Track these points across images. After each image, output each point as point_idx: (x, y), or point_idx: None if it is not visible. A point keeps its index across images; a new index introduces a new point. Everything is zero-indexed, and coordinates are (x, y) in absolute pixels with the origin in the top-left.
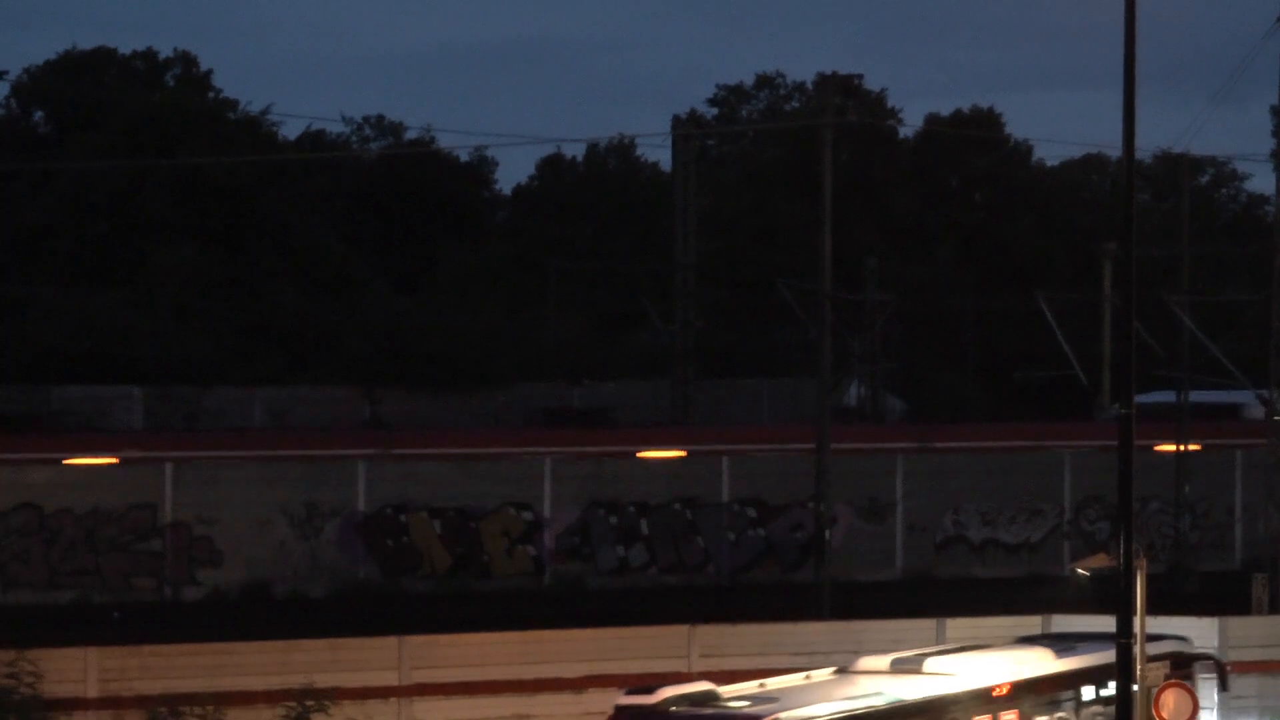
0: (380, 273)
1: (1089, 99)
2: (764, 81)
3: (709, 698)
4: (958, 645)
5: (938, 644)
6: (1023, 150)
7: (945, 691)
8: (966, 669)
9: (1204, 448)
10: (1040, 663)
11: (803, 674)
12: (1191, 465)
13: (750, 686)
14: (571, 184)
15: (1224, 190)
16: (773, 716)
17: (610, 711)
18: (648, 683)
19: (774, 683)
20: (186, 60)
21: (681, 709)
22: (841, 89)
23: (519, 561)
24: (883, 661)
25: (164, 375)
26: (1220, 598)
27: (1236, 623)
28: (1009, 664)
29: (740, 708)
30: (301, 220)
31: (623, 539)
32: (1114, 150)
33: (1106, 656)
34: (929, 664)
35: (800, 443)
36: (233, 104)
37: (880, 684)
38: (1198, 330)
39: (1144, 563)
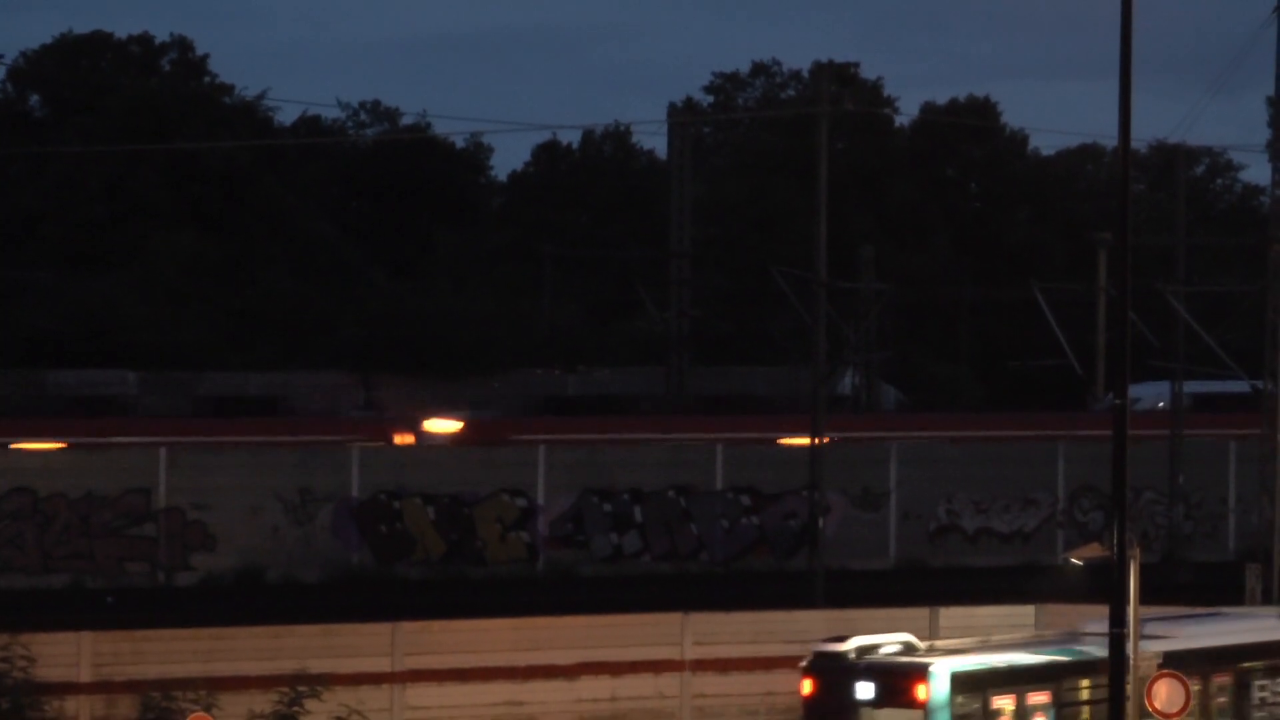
0: (375, 258)
1: (1085, 89)
2: (760, 69)
3: (901, 646)
4: (1190, 613)
5: (930, 634)
6: (1019, 140)
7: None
8: (1186, 634)
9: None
10: (1257, 630)
11: (1032, 633)
12: (1185, 455)
13: (966, 641)
14: (567, 171)
15: (1219, 180)
16: (935, 666)
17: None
18: (644, 668)
19: (997, 639)
20: (182, 45)
21: (865, 656)
22: (837, 77)
23: (512, 548)
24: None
25: (159, 359)
26: (1214, 588)
27: None
28: (1225, 631)
29: (917, 658)
30: (297, 205)
31: (616, 526)
32: (1110, 140)
33: None
34: (1149, 628)
35: (794, 431)
36: (228, 89)
37: (1100, 645)
38: (1192, 320)
39: (1138, 552)
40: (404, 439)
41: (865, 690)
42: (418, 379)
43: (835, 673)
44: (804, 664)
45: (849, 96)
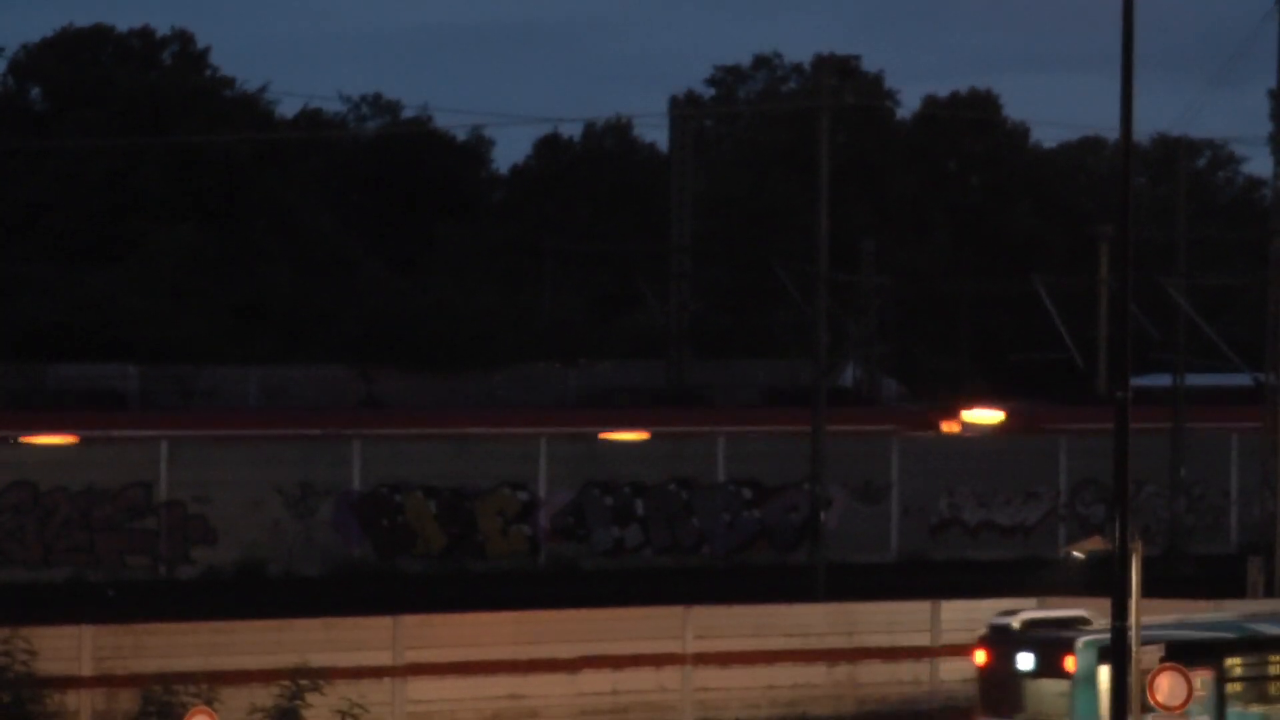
0: (376, 252)
1: (1086, 81)
2: (761, 62)
3: (1072, 621)
4: None
5: (931, 628)
6: (1020, 133)
7: None
8: None
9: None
10: None
11: (1247, 611)
12: (1187, 448)
13: (1163, 619)
14: (568, 164)
15: (1221, 173)
16: (1082, 640)
17: None
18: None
19: (1201, 617)
20: (183, 38)
21: (1029, 630)
22: (839, 70)
23: (514, 542)
24: None
25: (159, 353)
26: (1216, 581)
27: None
28: None
29: (1071, 632)
30: (298, 199)
31: (618, 520)
32: (1111, 133)
33: None
34: None
35: (796, 424)
36: (229, 82)
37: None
38: (1194, 313)
39: (1140, 546)
40: (950, 427)
41: (1026, 661)
42: (418, 373)
43: (1003, 644)
44: (980, 636)
45: (850, 90)
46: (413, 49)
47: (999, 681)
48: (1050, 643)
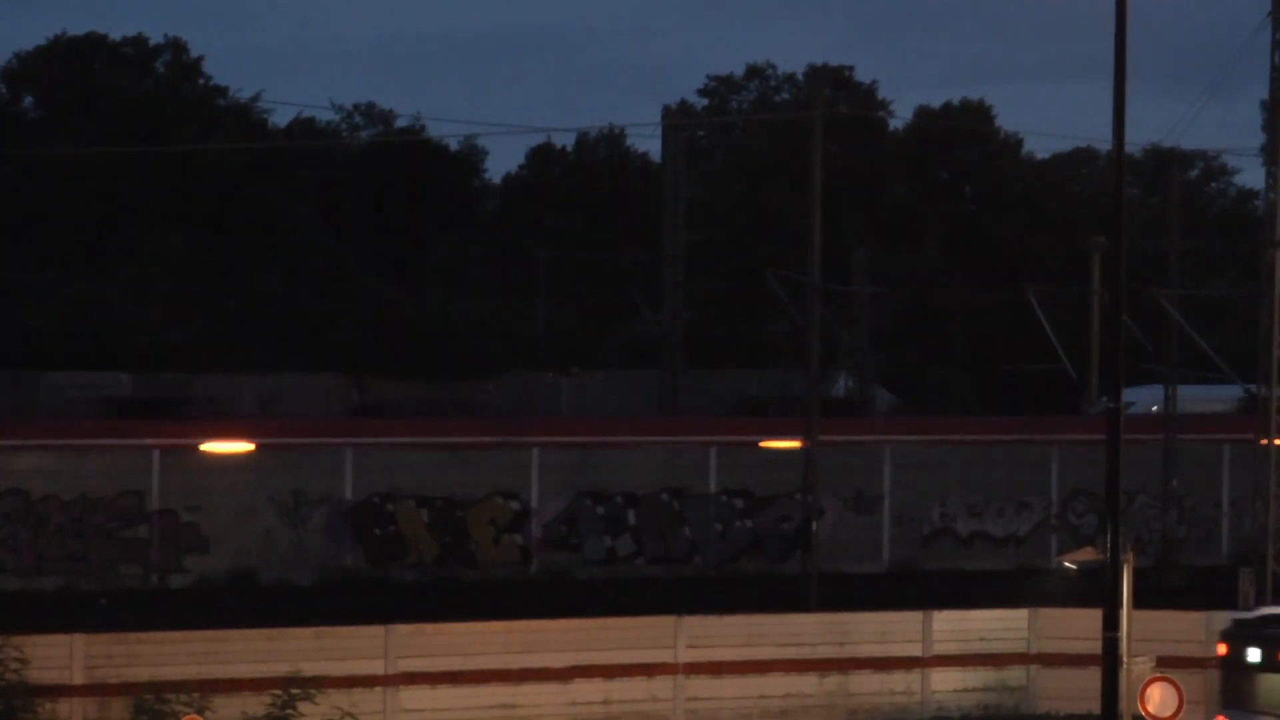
0: (369, 261)
1: (1079, 92)
2: (754, 72)
3: None
4: None
5: (923, 639)
6: (1013, 143)
7: None
8: None
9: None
10: None
11: None
12: (1179, 459)
13: None
14: (561, 173)
15: (1213, 184)
16: None
17: None
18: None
19: None
20: (176, 47)
21: (1262, 625)
22: (832, 81)
23: (506, 551)
24: None
25: (152, 362)
26: (1207, 592)
27: None
28: None
29: None
30: (291, 208)
31: (610, 529)
32: (1104, 144)
33: None
34: None
35: (788, 434)
36: (222, 91)
37: None
38: (1186, 325)
39: (1131, 556)
40: None
41: (1254, 654)
42: (411, 382)
43: (1238, 639)
44: (1221, 630)
45: (843, 100)
46: (406, 58)
47: (1234, 674)
48: (1272, 639)
